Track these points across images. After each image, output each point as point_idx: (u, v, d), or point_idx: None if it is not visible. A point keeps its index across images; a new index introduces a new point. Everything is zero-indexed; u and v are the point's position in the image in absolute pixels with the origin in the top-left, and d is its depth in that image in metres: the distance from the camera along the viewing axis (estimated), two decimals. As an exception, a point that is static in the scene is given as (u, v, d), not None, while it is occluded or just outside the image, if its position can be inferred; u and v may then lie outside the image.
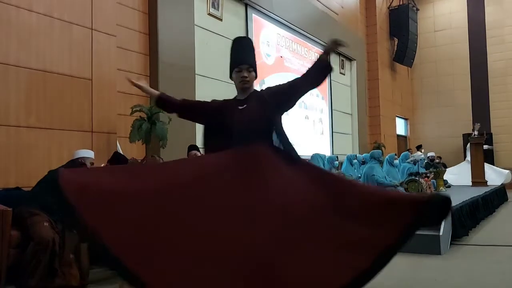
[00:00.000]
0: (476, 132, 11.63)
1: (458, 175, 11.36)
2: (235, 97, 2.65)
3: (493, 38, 16.07)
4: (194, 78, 6.79)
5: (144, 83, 2.88)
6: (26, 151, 4.45)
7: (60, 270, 3.45)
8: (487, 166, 11.36)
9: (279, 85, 2.59)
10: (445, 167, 12.18)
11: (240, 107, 2.53)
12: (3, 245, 3.43)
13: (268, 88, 2.61)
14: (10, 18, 4.42)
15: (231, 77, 2.62)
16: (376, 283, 3.32)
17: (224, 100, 2.68)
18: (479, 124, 12.46)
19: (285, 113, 2.59)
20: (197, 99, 6.83)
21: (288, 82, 2.57)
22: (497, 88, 15.94)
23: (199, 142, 6.48)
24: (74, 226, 2.03)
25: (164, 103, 2.80)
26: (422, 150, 11.41)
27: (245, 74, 2.53)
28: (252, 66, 2.55)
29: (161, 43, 6.20)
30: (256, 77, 2.60)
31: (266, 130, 2.44)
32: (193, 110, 2.77)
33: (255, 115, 2.46)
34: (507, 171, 12.20)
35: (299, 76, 2.56)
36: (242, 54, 2.60)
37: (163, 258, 1.89)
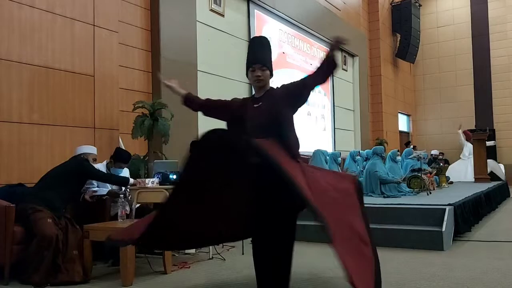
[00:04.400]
0: (460, 131, 11.94)
1: (458, 173, 11.38)
2: (253, 95, 2.78)
3: (496, 34, 16.00)
4: (196, 74, 6.78)
5: (175, 83, 3.02)
6: (28, 147, 4.46)
7: (63, 266, 3.46)
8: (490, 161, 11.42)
9: (292, 82, 2.72)
10: (448, 163, 12.19)
11: (255, 105, 2.67)
12: (7, 241, 3.45)
13: (283, 86, 2.73)
14: (12, 15, 4.42)
15: (247, 75, 2.72)
16: (379, 279, 3.32)
17: (244, 98, 2.84)
18: (461, 124, 12.72)
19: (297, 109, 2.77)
20: (199, 95, 6.85)
21: (301, 79, 2.71)
22: (500, 84, 15.88)
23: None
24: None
25: (190, 102, 3.00)
26: (411, 146, 11.45)
27: (259, 73, 2.64)
28: (265, 65, 2.66)
29: (163, 39, 6.19)
30: (271, 75, 2.72)
31: (274, 126, 2.56)
32: (216, 109, 2.91)
33: (265, 113, 2.60)
34: (490, 160, 12.25)
35: (306, 73, 2.71)
36: (257, 54, 2.70)
37: None
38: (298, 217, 2.65)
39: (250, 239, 2.83)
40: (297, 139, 2.66)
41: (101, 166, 4.46)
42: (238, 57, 7.89)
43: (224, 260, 4.13)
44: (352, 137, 12.92)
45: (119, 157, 4.51)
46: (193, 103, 2.99)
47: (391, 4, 15.36)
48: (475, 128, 14.84)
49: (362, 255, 2.34)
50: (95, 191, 4.34)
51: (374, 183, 6.78)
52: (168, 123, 5.46)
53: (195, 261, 4.07)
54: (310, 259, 4.08)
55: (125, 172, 4.64)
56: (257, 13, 8.73)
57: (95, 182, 4.37)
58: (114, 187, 4.42)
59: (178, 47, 6.42)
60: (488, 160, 12.07)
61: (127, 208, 4.23)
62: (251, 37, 2.90)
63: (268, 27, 9.09)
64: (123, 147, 5.14)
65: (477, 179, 10.09)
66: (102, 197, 4.34)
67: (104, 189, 4.40)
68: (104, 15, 5.34)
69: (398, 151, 9.11)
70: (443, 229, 4.48)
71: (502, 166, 12.34)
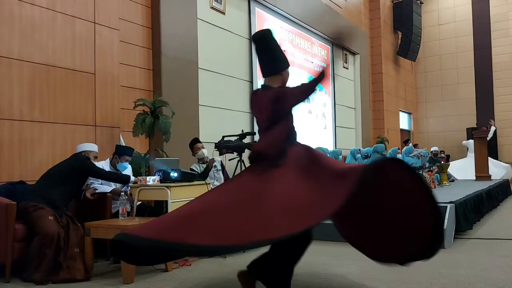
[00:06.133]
0: (493, 128, 11.76)
1: (462, 169, 11.34)
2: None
3: (498, 31, 15.98)
4: (197, 72, 6.78)
5: None
6: (29, 145, 4.47)
7: (64, 264, 3.46)
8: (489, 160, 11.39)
9: None
10: (448, 159, 12.19)
11: None
12: (8, 239, 3.45)
13: None
14: (13, 12, 4.41)
15: (284, 72, 2.75)
16: (380, 276, 3.32)
17: None
18: (492, 120, 12.54)
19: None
20: (200, 93, 6.87)
21: None
22: (502, 81, 15.86)
23: (202, 136, 6.47)
24: None
25: None
26: (410, 144, 11.45)
27: None
28: None
29: (163, 37, 6.18)
30: None
31: None
32: None
33: None
34: (508, 165, 12.23)
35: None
36: None
37: None
38: None
39: None
40: None
41: (105, 164, 4.49)
42: (239, 54, 7.89)
43: (225, 258, 4.13)
44: (353, 135, 12.91)
45: (124, 151, 4.58)
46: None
47: (392, 1, 15.34)
48: (476, 126, 14.83)
49: None
50: (96, 189, 4.35)
51: (375, 181, 6.78)
52: (169, 120, 5.45)
53: (196, 258, 4.07)
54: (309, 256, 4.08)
55: (129, 170, 4.65)
56: (257, 10, 8.72)
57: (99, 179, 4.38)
58: (117, 185, 4.43)
59: (179, 45, 6.41)
60: (506, 164, 12.08)
61: (128, 206, 4.23)
62: (271, 32, 2.82)
63: (268, 25, 9.07)
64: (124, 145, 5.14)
65: (478, 177, 10.07)
66: (104, 194, 4.34)
67: (107, 186, 4.41)
68: (105, 12, 5.33)
69: (398, 149, 9.12)
70: (444, 227, 4.46)
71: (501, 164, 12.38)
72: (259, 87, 2.85)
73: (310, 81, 2.59)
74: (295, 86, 2.64)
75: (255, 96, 2.81)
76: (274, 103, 2.61)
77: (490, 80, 16.04)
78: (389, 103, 14.57)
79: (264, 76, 2.81)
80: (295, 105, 2.66)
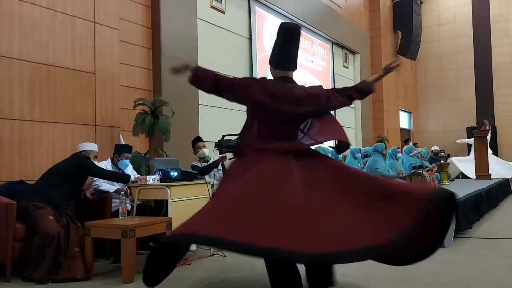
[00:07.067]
0: (488, 127, 11.77)
1: (468, 165, 11.35)
2: None
3: (498, 31, 15.98)
4: (197, 71, 6.77)
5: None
6: (30, 144, 4.47)
7: (64, 263, 3.47)
8: (496, 159, 11.39)
9: None
10: (448, 157, 12.22)
11: None
12: (8, 238, 3.46)
13: None
14: (13, 12, 4.42)
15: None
16: (380, 275, 3.32)
17: None
18: (486, 120, 12.56)
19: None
20: (199, 93, 6.88)
21: None
22: (502, 82, 15.87)
23: (202, 135, 6.47)
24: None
25: None
26: (410, 143, 11.45)
27: None
28: None
29: (164, 37, 6.18)
30: None
31: None
32: None
33: None
34: None
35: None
36: None
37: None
38: None
39: None
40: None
41: (107, 164, 4.51)
42: (239, 54, 7.88)
43: (225, 256, 4.14)
44: (353, 135, 12.92)
45: (123, 149, 4.61)
46: None
47: (392, 1, 15.33)
48: (476, 126, 14.84)
49: None
50: (97, 188, 4.35)
51: (375, 181, 6.79)
52: (169, 120, 5.46)
53: (196, 257, 4.07)
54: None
55: (130, 169, 4.66)
56: (257, 10, 8.72)
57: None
58: (120, 184, 4.44)
59: (179, 45, 6.41)
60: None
61: (128, 205, 4.23)
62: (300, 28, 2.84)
63: (268, 24, 9.07)
64: (124, 145, 5.15)
65: (478, 177, 10.08)
66: (105, 193, 4.35)
67: (111, 186, 4.41)
68: (105, 12, 5.33)
69: (398, 148, 9.11)
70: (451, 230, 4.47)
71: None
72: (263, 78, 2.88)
73: (361, 86, 2.85)
74: (333, 88, 2.81)
75: (266, 84, 2.73)
76: (319, 100, 2.75)
77: (490, 80, 16.05)
78: (389, 103, 14.57)
79: (281, 67, 2.74)
80: (340, 107, 2.93)
